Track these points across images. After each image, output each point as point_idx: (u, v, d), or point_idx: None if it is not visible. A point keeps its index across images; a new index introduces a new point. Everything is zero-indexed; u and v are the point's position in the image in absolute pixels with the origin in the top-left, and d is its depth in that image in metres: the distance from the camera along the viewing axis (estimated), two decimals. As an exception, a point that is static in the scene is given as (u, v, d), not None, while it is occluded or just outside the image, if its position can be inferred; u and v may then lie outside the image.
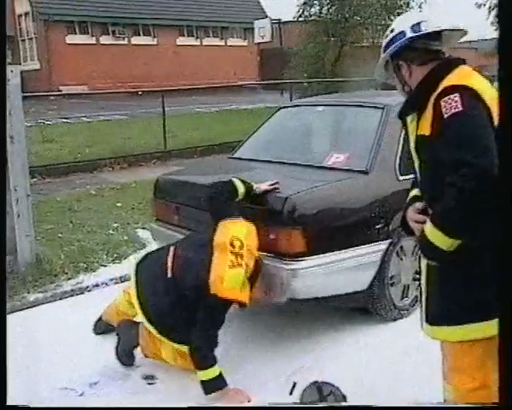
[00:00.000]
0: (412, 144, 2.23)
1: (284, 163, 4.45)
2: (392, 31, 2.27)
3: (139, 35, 27.11)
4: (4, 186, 1.25)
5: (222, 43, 30.20)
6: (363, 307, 4.08)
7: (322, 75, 18.74)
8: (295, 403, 3.10)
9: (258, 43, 28.38)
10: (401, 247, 4.09)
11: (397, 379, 3.33)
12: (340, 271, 3.72)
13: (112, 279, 5.12)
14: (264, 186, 3.73)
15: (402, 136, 4.18)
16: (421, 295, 2.33)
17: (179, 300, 3.33)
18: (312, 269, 3.58)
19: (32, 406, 2.42)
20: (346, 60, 19.42)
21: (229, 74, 26.91)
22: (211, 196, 3.65)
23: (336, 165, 4.12)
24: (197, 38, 29.14)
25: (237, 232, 3.38)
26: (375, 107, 4.43)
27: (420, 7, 21.51)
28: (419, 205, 2.21)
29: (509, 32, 0.88)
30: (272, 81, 19.51)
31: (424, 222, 2.08)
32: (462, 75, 2.09)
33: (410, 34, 2.18)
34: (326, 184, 3.84)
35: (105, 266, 5.44)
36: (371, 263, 3.88)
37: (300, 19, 21.05)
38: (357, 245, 3.78)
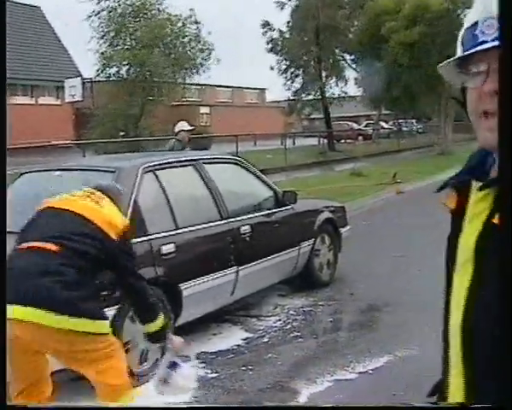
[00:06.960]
0: (472, 240, 1.01)
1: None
2: None
3: None
4: (4, 186, 1.13)
5: (32, 101, 29.11)
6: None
7: (127, 133, 18.81)
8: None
9: (72, 102, 27.84)
10: (134, 311, 4.02)
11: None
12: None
13: None
14: None
15: (133, 199, 4.20)
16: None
17: None
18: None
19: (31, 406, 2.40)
20: (149, 118, 19.73)
21: (40, 134, 25.87)
22: None
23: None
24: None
25: None
26: (106, 170, 4.49)
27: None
28: None
29: (509, 34, 0.83)
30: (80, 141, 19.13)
31: None
32: None
33: None
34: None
35: None
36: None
37: (101, 79, 21.09)
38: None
